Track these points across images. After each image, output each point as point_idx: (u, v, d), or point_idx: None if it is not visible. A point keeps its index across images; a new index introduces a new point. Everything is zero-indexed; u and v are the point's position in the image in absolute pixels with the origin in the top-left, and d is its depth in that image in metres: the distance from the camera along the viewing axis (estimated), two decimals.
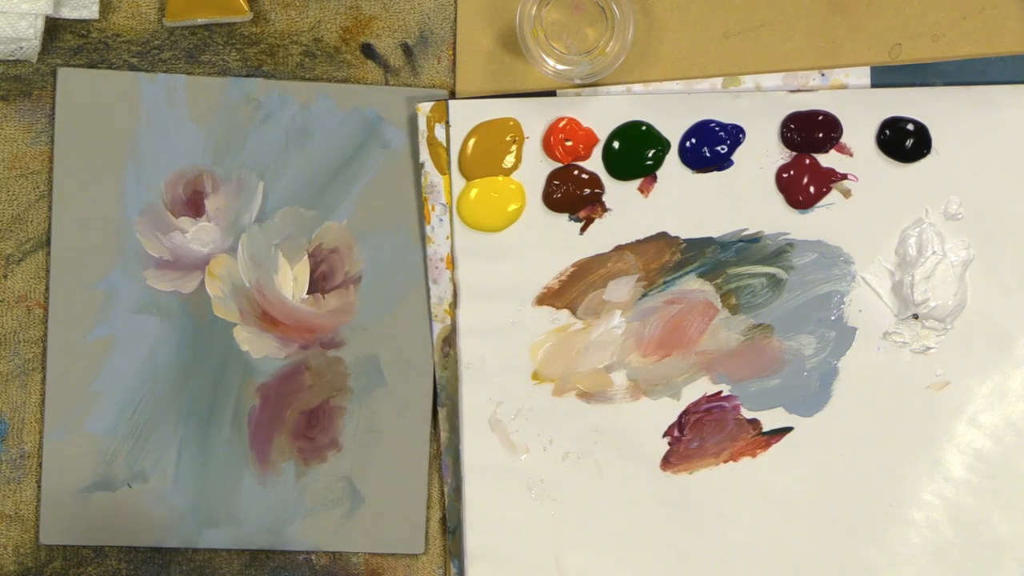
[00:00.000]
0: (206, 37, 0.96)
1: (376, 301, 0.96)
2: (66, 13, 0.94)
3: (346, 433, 0.96)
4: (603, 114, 0.95)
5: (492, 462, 0.95)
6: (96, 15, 0.95)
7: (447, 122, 0.95)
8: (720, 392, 0.95)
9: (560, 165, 0.95)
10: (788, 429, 0.95)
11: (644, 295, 0.95)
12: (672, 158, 0.95)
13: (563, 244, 0.95)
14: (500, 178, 0.95)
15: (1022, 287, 0.94)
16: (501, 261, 0.95)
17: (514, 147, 0.95)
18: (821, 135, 0.94)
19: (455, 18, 0.96)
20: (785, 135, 0.95)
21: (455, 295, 0.96)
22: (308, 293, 0.96)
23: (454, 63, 0.96)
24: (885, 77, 0.95)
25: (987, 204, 0.94)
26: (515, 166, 0.95)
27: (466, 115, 0.95)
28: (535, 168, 0.95)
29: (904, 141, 0.94)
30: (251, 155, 0.96)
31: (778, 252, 0.95)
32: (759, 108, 0.95)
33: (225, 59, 0.96)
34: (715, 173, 0.95)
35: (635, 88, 0.95)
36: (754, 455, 0.95)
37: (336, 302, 0.96)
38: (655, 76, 0.95)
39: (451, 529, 0.97)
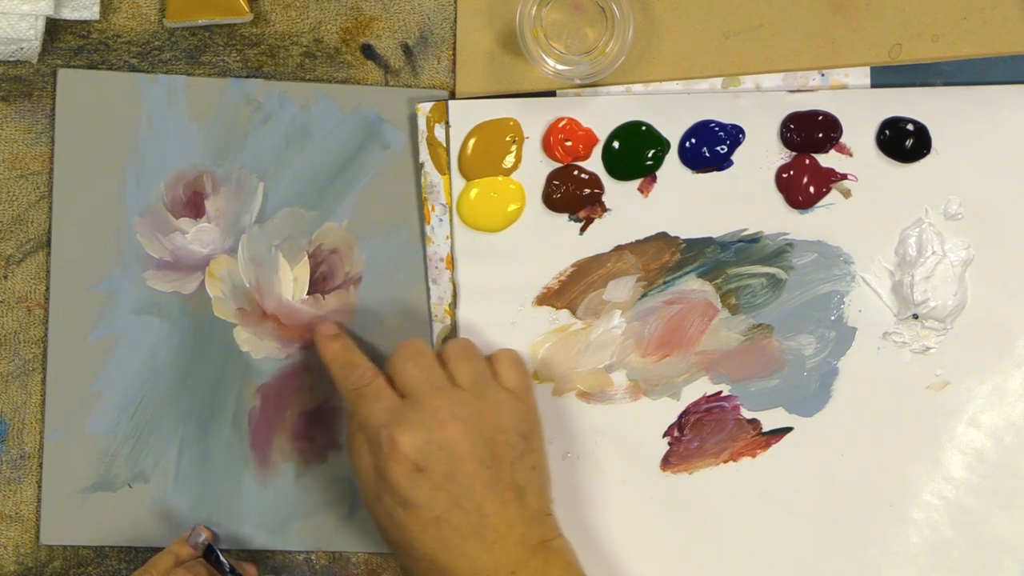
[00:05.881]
0: (206, 38, 0.96)
1: (376, 301, 0.96)
2: (67, 14, 0.94)
3: (346, 434, 0.96)
4: (603, 114, 0.95)
5: None
6: (97, 16, 0.95)
7: (447, 122, 0.95)
8: (720, 392, 0.95)
9: (560, 165, 0.95)
10: (788, 429, 0.95)
11: (644, 295, 0.95)
12: (672, 158, 0.95)
13: (563, 244, 0.95)
14: (500, 178, 0.95)
15: (1022, 287, 0.94)
16: (501, 261, 0.95)
17: (514, 147, 0.95)
18: (821, 135, 0.94)
19: (455, 18, 0.96)
20: (785, 135, 0.95)
21: (455, 295, 0.96)
22: (308, 294, 0.96)
23: (454, 63, 0.96)
24: (885, 77, 0.95)
25: (987, 204, 0.94)
26: (515, 166, 0.96)
27: (466, 115, 0.95)
28: (535, 168, 0.95)
29: (904, 141, 0.94)
30: (251, 156, 0.96)
31: (778, 252, 0.95)
32: (759, 108, 0.95)
33: (225, 60, 0.96)
34: (715, 173, 0.95)
35: (635, 88, 0.95)
36: (754, 455, 0.95)
37: (336, 303, 0.96)
38: (655, 76, 0.95)
39: None
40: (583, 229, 0.95)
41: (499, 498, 0.86)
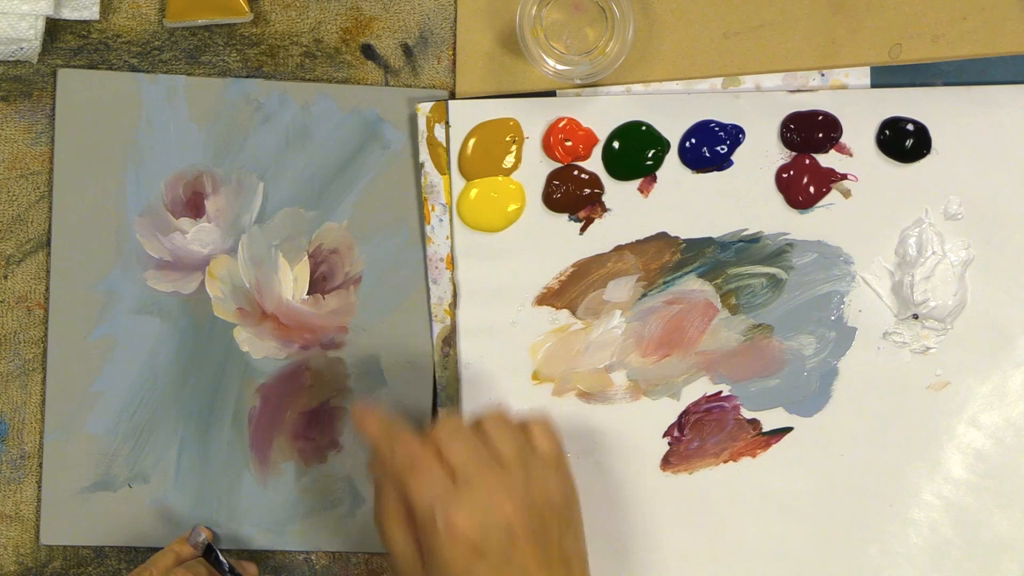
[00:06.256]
0: (206, 38, 0.96)
1: (376, 301, 0.96)
2: (67, 14, 0.94)
3: (346, 433, 0.96)
4: (603, 114, 0.95)
5: None
6: (96, 16, 0.95)
7: (447, 122, 0.95)
8: (720, 392, 0.95)
9: (560, 165, 0.95)
10: (788, 429, 0.95)
11: (644, 295, 0.95)
12: (672, 158, 0.95)
13: (563, 244, 0.95)
14: (500, 178, 0.95)
15: (1022, 287, 0.94)
16: (501, 261, 0.95)
17: (514, 147, 0.95)
18: (821, 135, 0.94)
19: (455, 18, 0.96)
20: (785, 135, 0.95)
21: (455, 295, 0.96)
22: (308, 294, 0.96)
23: (454, 63, 0.96)
24: (885, 77, 0.95)
25: (987, 204, 0.94)
26: (515, 166, 0.96)
27: (466, 115, 0.95)
28: (535, 168, 0.95)
29: (904, 141, 0.94)
30: (251, 156, 0.96)
31: (778, 252, 0.95)
32: (759, 108, 0.95)
33: (225, 60, 0.96)
34: (715, 173, 0.95)
35: (635, 88, 0.95)
36: (754, 455, 0.95)
37: (336, 303, 0.96)
38: (655, 76, 0.95)
39: None
40: (583, 229, 0.95)
41: (550, 574, 0.84)
